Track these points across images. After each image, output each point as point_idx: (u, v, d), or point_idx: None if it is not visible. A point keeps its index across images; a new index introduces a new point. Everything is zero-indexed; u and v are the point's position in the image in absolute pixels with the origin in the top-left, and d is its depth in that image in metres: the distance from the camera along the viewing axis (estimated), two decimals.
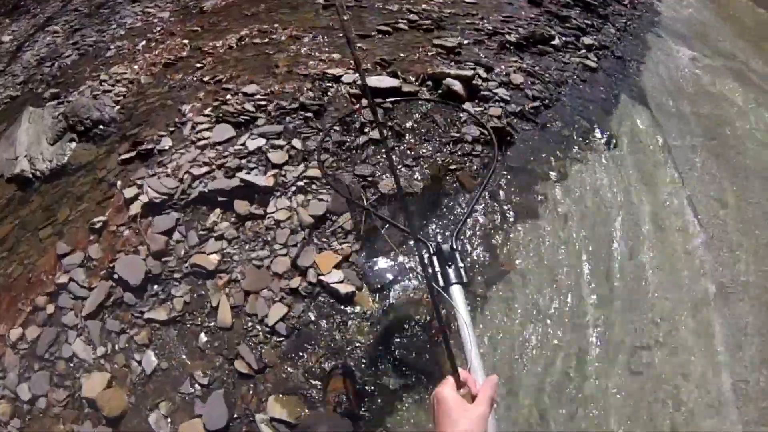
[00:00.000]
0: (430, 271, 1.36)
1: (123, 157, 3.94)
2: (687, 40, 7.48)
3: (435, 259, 1.36)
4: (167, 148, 3.88)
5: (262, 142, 3.71)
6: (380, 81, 4.12)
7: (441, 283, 1.31)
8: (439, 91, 4.28)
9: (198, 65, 5.01)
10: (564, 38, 5.69)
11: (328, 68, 4.47)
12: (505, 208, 3.59)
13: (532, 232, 3.47)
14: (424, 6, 5.91)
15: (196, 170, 3.54)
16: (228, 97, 4.25)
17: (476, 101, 4.32)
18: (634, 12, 7.65)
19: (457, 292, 1.30)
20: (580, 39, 5.84)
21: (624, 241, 3.73)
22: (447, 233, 3.03)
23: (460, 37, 5.12)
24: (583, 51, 5.62)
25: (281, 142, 3.71)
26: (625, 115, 5.14)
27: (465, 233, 3.18)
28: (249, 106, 4.04)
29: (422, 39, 5.15)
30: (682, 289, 3.47)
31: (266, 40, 5.33)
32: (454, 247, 1.38)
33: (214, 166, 3.56)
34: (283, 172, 3.49)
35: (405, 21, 5.39)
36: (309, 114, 3.92)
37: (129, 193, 3.54)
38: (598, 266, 3.42)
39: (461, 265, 1.36)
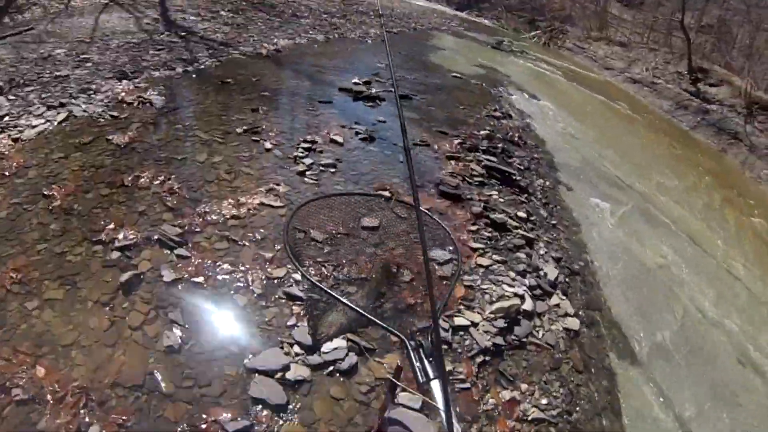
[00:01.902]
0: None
1: None
2: (589, 182, 6.42)
3: (414, 354, 1.30)
4: None
5: None
6: None
7: (422, 378, 1.24)
8: None
9: None
10: (526, 280, 3.79)
11: None
12: None
13: None
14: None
15: None
16: None
17: None
18: (533, 155, 6.24)
19: (438, 388, 1.20)
20: (539, 270, 3.98)
21: None
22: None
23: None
24: (556, 301, 3.78)
25: None
26: (630, 404, 3.56)
27: None
28: None
29: None
30: None
31: None
32: (433, 341, 1.29)
33: None
34: None
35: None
36: None
37: None
38: None
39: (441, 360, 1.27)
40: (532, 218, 4.66)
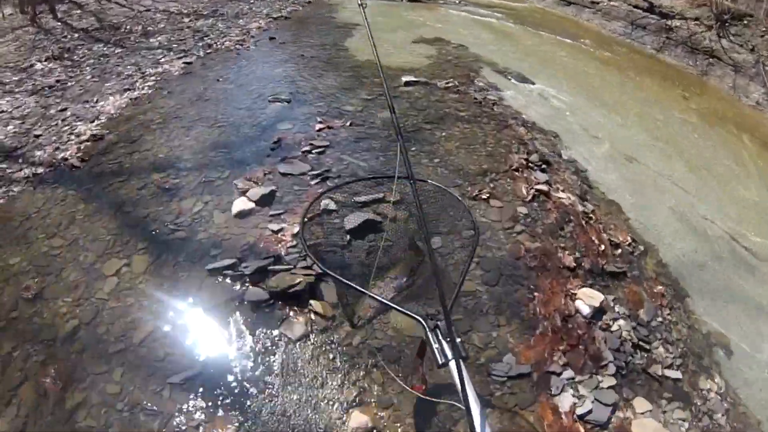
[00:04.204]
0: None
1: None
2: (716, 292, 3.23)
3: (432, 335, 1.21)
4: None
5: None
6: None
7: (440, 359, 1.16)
8: None
9: None
10: None
11: None
12: None
13: None
14: None
15: None
16: None
17: None
18: (659, 304, 2.89)
19: (457, 368, 1.10)
20: None
21: None
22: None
23: None
24: None
25: None
26: None
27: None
28: None
29: None
30: None
31: None
32: (450, 321, 1.18)
33: None
34: None
35: None
36: None
37: None
38: None
39: (459, 340, 1.16)
40: None
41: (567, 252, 2.80)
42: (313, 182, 3.02)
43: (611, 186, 3.85)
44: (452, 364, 1.12)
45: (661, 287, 3.05)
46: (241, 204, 2.78)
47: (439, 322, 1.23)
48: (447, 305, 1.26)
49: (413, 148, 3.56)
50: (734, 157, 5.54)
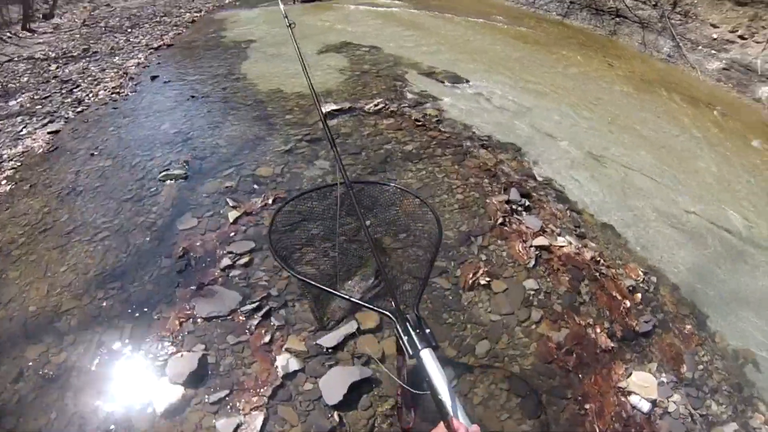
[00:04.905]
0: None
1: None
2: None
3: (401, 328, 1.18)
4: None
5: None
6: None
7: (411, 351, 1.13)
8: None
9: None
10: None
11: None
12: None
13: None
14: None
15: None
16: None
17: None
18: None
19: (428, 357, 1.08)
20: None
21: None
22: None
23: None
24: None
25: None
26: None
27: None
28: None
29: None
30: None
31: None
32: (418, 314, 1.19)
33: None
34: None
35: None
36: None
37: None
38: None
39: (428, 330, 1.15)
40: None
41: (598, 328, 2.24)
42: (252, 321, 2.16)
43: (596, 204, 3.37)
44: (423, 354, 1.08)
45: (688, 326, 2.63)
46: (165, 394, 1.87)
47: (408, 315, 1.19)
48: (416, 297, 1.28)
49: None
50: (678, 125, 5.40)
